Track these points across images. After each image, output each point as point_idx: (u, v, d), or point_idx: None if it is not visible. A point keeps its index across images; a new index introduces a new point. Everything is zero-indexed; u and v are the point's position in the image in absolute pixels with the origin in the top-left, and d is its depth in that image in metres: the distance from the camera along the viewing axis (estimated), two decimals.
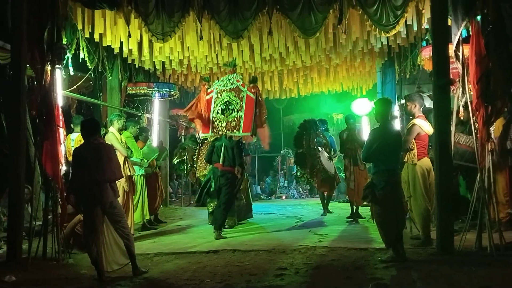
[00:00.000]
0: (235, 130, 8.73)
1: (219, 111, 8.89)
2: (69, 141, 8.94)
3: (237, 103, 8.84)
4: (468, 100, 6.38)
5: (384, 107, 6.26)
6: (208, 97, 9.06)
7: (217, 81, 9.49)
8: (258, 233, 8.64)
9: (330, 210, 11.05)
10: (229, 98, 8.90)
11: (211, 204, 9.20)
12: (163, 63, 11.22)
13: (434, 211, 6.59)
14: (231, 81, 9.02)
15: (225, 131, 8.72)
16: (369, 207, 7.08)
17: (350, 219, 9.70)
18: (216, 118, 8.89)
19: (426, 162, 6.79)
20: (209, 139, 9.16)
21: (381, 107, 6.29)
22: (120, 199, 7.32)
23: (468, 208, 6.43)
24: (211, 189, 8.70)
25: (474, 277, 5.02)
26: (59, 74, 7.41)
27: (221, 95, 8.96)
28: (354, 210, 9.84)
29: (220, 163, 8.48)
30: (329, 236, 7.95)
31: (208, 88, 9.16)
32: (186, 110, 9.34)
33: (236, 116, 8.79)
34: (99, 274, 5.53)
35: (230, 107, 8.86)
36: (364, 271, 5.51)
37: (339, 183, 11.12)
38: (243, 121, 8.73)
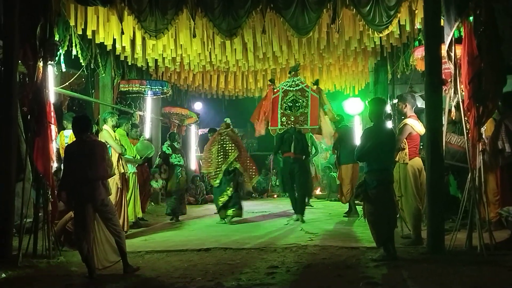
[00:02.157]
0: (303, 124, 10.16)
1: (286, 108, 10.32)
2: (63, 138, 8.91)
3: (303, 101, 10.28)
4: (460, 100, 6.42)
5: (378, 106, 6.28)
6: (274, 96, 10.51)
7: (282, 82, 10.96)
8: (249, 231, 8.64)
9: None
10: (295, 97, 10.34)
11: (221, 199, 9.74)
12: (156, 60, 11.19)
13: (425, 211, 6.63)
14: (295, 83, 10.46)
15: (295, 124, 10.12)
16: (361, 206, 7.09)
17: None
18: (284, 114, 10.31)
19: (417, 161, 6.82)
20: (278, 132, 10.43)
21: (374, 106, 6.30)
22: (113, 196, 7.43)
23: (459, 208, 6.47)
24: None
25: (465, 277, 5.05)
26: (51, 71, 7.36)
27: (287, 94, 10.39)
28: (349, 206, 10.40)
29: (292, 151, 9.82)
30: (320, 234, 7.97)
31: (274, 88, 10.63)
32: (254, 116, 10.80)
33: (303, 112, 10.23)
34: (90, 271, 5.52)
35: (297, 104, 10.29)
36: (355, 270, 5.53)
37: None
38: (310, 116, 10.15)
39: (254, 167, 10.13)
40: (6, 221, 6.66)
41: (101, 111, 10.89)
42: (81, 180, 5.55)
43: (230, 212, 9.64)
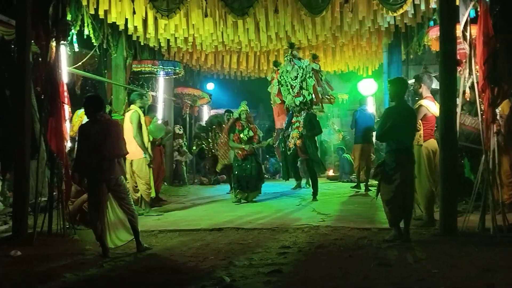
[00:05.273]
0: None
1: None
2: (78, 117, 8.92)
3: None
4: (475, 81, 6.34)
5: (400, 86, 6.21)
6: None
7: None
8: (261, 211, 8.67)
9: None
10: None
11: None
12: (168, 40, 11.15)
13: (439, 193, 6.59)
14: None
15: None
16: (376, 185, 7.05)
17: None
18: None
19: (432, 143, 6.76)
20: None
21: (396, 86, 6.22)
22: (146, 177, 8.02)
23: (472, 190, 6.43)
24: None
25: (477, 258, 5.03)
26: (64, 51, 7.38)
27: None
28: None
29: None
30: (332, 215, 7.97)
31: None
32: None
33: None
34: (104, 250, 5.59)
35: None
36: (367, 251, 5.54)
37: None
38: None
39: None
40: (22, 200, 6.75)
41: (113, 91, 10.91)
42: (97, 160, 5.56)
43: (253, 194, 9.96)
